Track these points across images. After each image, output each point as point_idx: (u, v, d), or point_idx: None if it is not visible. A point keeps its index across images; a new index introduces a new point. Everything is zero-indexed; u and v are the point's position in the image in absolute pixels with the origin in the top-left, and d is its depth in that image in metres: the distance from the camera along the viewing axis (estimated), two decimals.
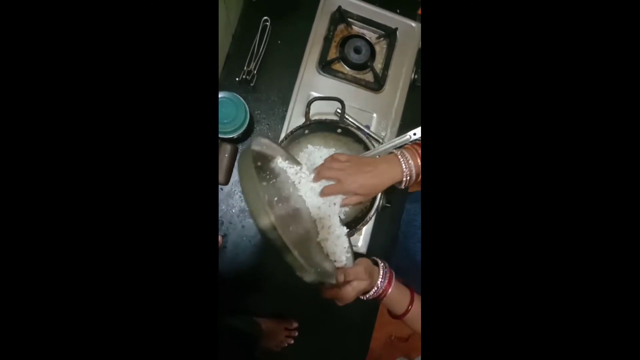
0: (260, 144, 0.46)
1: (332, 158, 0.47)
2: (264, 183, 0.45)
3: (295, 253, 0.34)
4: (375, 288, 0.44)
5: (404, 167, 0.45)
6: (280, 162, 0.49)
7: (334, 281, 0.41)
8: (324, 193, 0.47)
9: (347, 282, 0.42)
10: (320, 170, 0.47)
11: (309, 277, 0.37)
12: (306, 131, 0.61)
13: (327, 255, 0.46)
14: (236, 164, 0.41)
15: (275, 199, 0.44)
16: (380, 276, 0.44)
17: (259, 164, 0.45)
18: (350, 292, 0.42)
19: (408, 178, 0.46)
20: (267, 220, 0.34)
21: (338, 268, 0.43)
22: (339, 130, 0.62)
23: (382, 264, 0.46)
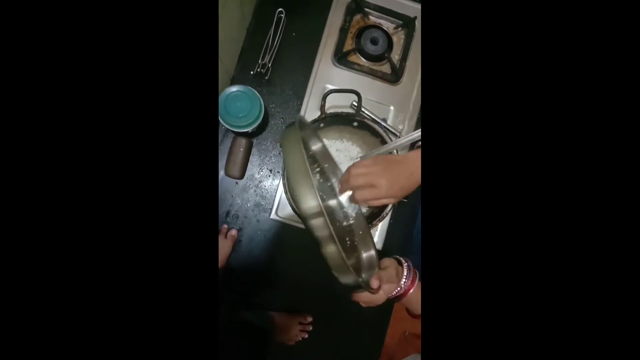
0: (303, 124, 0.44)
1: (355, 165, 0.43)
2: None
3: (338, 245, 0.31)
4: (398, 288, 0.43)
5: None
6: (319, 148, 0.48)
7: (365, 286, 0.38)
8: (356, 199, 0.43)
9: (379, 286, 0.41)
10: (349, 179, 0.43)
11: (345, 278, 0.34)
12: (322, 124, 0.60)
13: (359, 258, 0.45)
14: (281, 137, 0.39)
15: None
16: (404, 277, 0.43)
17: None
18: (381, 296, 0.42)
19: None
20: (315, 202, 0.31)
21: (372, 276, 0.41)
22: (355, 124, 0.60)
23: (407, 263, 0.45)
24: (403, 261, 0.45)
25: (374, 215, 0.59)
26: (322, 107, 0.58)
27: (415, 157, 0.42)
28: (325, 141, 0.64)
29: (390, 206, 0.57)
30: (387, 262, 0.44)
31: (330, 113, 0.58)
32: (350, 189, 0.43)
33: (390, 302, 0.43)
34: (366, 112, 0.67)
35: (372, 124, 0.58)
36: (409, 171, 0.42)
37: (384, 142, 0.57)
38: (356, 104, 0.62)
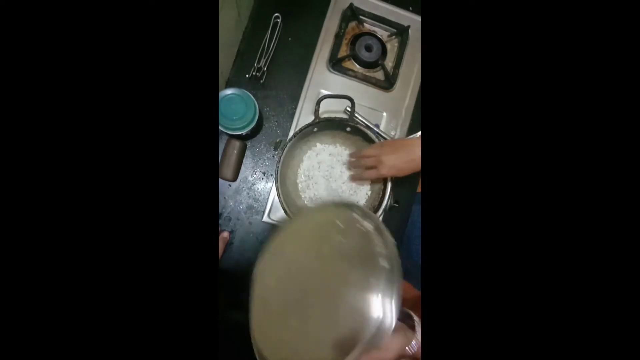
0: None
1: (368, 149, 0.51)
2: None
3: None
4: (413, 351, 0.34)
5: None
6: None
7: None
8: (355, 178, 0.51)
9: None
10: (360, 161, 0.50)
11: None
12: (315, 129, 0.61)
13: None
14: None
15: None
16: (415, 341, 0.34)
17: None
18: None
19: None
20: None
21: None
22: (348, 129, 0.61)
23: (415, 340, 0.35)
24: (415, 320, 0.36)
25: None
26: (316, 111, 0.59)
27: (417, 144, 0.48)
28: (319, 145, 0.64)
29: (381, 210, 0.58)
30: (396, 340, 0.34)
31: (324, 118, 0.59)
32: (361, 168, 0.51)
33: None
34: (359, 117, 0.68)
35: (364, 129, 0.59)
36: (409, 157, 0.48)
37: None
38: (350, 110, 0.63)
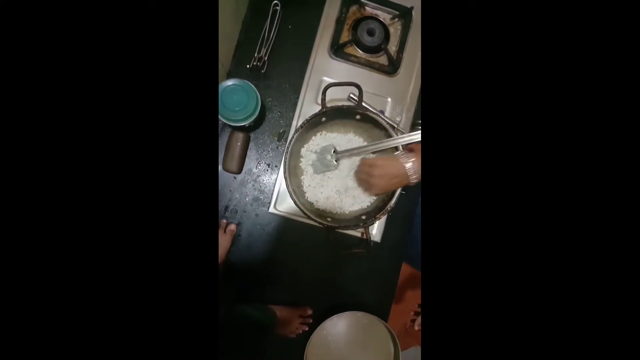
0: None
1: (362, 163, 0.58)
2: None
3: None
4: None
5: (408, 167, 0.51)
6: None
7: None
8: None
9: None
10: (357, 172, 0.61)
11: None
12: (323, 118, 0.59)
13: None
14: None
15: None
16: None
17: None
18: None
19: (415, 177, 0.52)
20: None
21: None
22: (358, 117, 0.60)
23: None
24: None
25: (378, 209, 0.59)
26: (323, 100, 0.57)
27: (400, 164, 0.52)
28: (331, 134, 0.63)
29: (394, 200, 0.57)
30: None
31: (332, 107, 0.58)
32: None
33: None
34: (363, 104, 0.66)
35: (375, 116, 0.58)
36: (392, 176, 0.53)
37: (387, 134, 0.57)
38: (354, 96, 0.61)
